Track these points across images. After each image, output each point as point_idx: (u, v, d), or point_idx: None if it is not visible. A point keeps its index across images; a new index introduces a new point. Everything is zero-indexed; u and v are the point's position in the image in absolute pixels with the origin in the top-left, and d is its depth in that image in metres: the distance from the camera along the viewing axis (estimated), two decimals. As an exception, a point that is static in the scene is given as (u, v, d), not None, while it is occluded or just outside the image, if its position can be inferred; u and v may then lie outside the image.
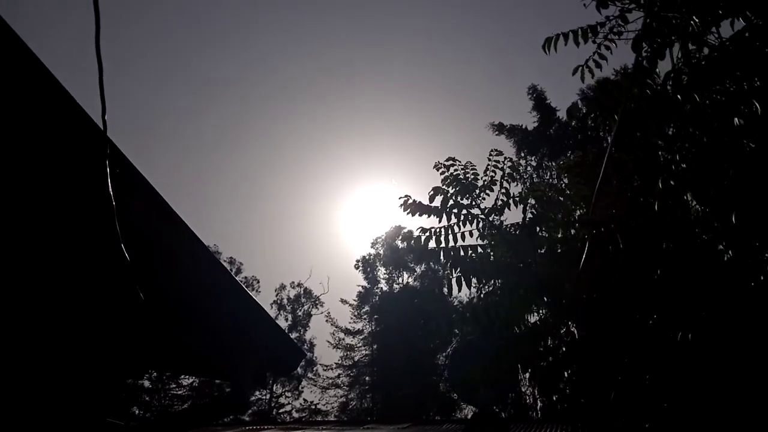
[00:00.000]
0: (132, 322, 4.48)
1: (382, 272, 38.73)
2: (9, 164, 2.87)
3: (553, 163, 27.61)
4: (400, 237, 35.67)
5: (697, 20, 2.70)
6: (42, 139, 2.96)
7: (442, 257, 4.24)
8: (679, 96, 2.89)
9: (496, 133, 29.15)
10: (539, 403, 27.36)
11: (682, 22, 2.77)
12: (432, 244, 4.38)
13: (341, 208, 62.77)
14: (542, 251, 4.35)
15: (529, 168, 28.97)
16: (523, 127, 29.26)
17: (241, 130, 61.70)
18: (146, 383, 32.89)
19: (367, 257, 39.10)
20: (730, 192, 2.94)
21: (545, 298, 4.31)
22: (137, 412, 29.89)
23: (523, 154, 29.02)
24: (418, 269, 37.41)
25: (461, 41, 59.70)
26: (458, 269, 4.13)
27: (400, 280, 38.01)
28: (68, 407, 4.56)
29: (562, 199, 5.01)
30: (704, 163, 2.98)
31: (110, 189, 2.47)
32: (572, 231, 4.56)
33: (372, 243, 39.72)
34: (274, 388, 37.24)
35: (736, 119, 2.65)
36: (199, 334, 5.45)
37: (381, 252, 39.10)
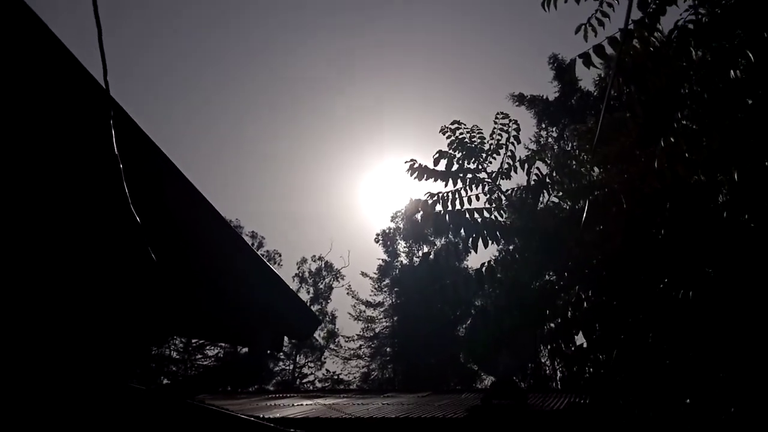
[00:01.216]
0: (150, 288, 4.65)
1: (402, 246, 38.96)
2: (15, 128, 2.97)
3: (576, 127, 27.17)
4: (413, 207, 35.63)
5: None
6: (45, 99, 3.05)
7: (448, 219, 4.28)
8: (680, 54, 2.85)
9: (516, 104, 28.75)
10: (559, 374, 27.56)
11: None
12: (438, 207, 4.43)
13: (362, 182, 62.89)
14: (547, 214, 4.37)
15: (550, 139, 28.61)
16: (544, 97, 28.77)
17: (263, 104, 61.87)
18: (173, 354, 33.90)
19: (387, 231, 39.34)
20: (731, 149, 2.93)
21: (551, 261, 4.35)
22: (164, 382, 30.86)
23: (543, 125, 28.64)
24: (437, 242, 37.48)
25: (482, 11, 58.46)
26: (462, 232, 4.17)
27: (420, 253, 38.18)
28: (88, 373, 4.75)
29: (574, 163, 4.99)
30: (706, 119, 2.96)
31: (115, 148, 2.56)
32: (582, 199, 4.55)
33: (392, 217, 39.87)
34: (297, 358, 38.07)
35: (732, 72, 2.62)
36: (216, 300, 5.62)
37: (401, 226, 39.23)
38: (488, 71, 60.18)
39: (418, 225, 38.50)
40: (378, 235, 39.38)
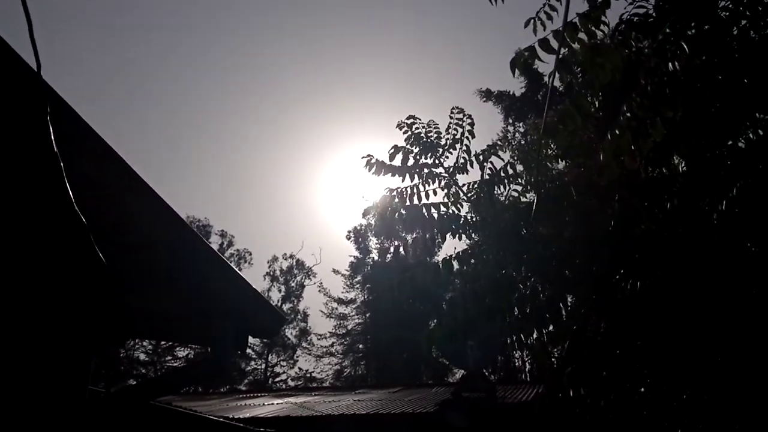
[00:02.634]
0: (101, 289, 4.52)
1: (373, 242, 38.96)
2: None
3: (533, 121, 27.58)
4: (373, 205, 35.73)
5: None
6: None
7: (405, 215, 4.28)
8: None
9: (484, 99, 28.99)
10: (527, 366, 27.98)
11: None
12: (398, 203, 4.42)
13: (333, 179, 62.60)
14: (503, 208, 4.40)
15: (517, 134, 28.91)
16: (511, 93, 29.08)
17: (229, 100, 60.96)
18: (141, 356, 33.26)
19: (358, 228, 39.26)
20: (674, 139, 2.98)
21: (508, 255, 4.38)
22: (133, 384, 30.29)
23: (510, 121, 28.94)
24: (409, 238, 37.58)
25: (449, 7, 58.71)
26: (417, 228, 4.18)
27: (392, 249, 38.25)
28: (45, 379, 4.60)
29: (534, 157, 5.02)
30: (650, 111, 3.01)
31: (53, 142, 2.45)
32: (529, 187, 4.60)
33: (363, 213, 39.77)
34: (270, 357, 37.76)
35: (671, 64, 2.67)
36: (175, 300, 5.51)
37: (372, 222, 39.21)
38: (455, 67, 60.55)
39: (389, 221, 38.52)
40: (349, 231, 39.31)
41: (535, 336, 4.76)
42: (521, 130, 28.92)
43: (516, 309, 4.50)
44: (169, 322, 6.37)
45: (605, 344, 3.69)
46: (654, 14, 3.22)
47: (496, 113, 29.26)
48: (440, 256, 34.26)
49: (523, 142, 28.16)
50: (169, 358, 34.15)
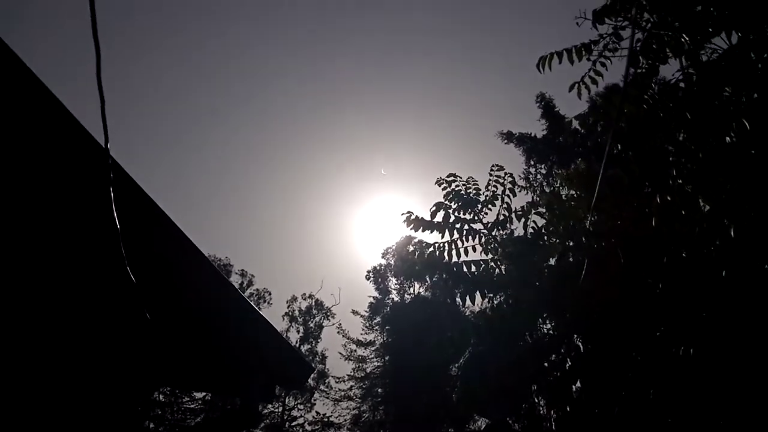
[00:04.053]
0: (141, 341, 4.56)
1: (393, 283, 38.66)
2: (20, 186, 2.95)
3: (563, 171, 27.55)
4: (410, 249, 35.66)
5: (687, 38, 2.74)
6: (47, 160, 3.04)
7: (445, 273, 4.27)
8: (674, 112, 2.91)
9: (506, 141, 29.14)
10: (553, 414, 27.09)
11: (675, 39, 2.80)
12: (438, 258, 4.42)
13: (353, 219, 62.90)
14: (545, 265, 4.36)
15: (538, 176, 28.90)
16: (532, 135, 29.21)
17: (253, 143, 62.21)
18: (159, 397, 33.01)
19: (378, 268, 39.06)
20: (726, 207, 2.95)
21: (548, 312, 4.32)
22: (150, 425, 29.99)
23: (532, 162, 28.97)
24: (429, 279, 37.31)
25: (472, 51, 59.85)
26: (461, 286, 4.16)
27: (412, 290, 37.90)
28: (84, 427, 4.62)
29: (559, 210, 5.01)
30: (700, 177, 3.00)
31: (114, 211, 2.55)
32: (571, 243, 4.57)
33: (383, 253, 39.70)
34: (287, 401, 37.18)
35: (728, 137, 2.67)
36: (209, 352, 5.52)
37: (392, 262, 39.05)
38: (480, 109, 61.24)
39: (409, 262, 38.37)
40: (369, 272, 39.12)
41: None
42: (542, 171, 28.93)
43: (557, 371, 4.42)
44: (203, 372, 6.36)
45: (656, 411, 3.58)
46: (698, 80, 3.24)
47: (518, 155, 29.35)
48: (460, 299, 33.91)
49: (544, 183, 28.16)
50: (187, 399, 33.83)
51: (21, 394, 4.02)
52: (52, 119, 2.81)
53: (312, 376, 37.10)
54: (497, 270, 4.31)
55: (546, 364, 4.63)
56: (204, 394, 33.43)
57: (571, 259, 4.62)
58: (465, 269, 4.28)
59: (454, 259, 4.41)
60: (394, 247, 39.61)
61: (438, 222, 4.43)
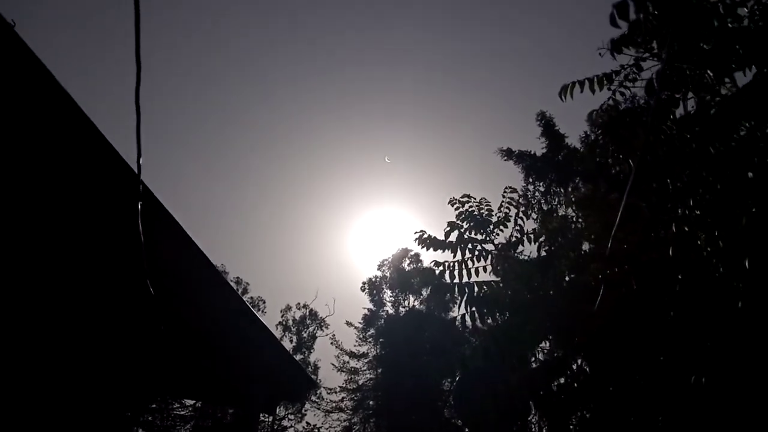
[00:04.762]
0: (152, 349, 4.55)
1: (388, 295, 38.58)
2: (46, 201, 2.97)
3: (561, 189, 27.62)
4: (410, 265, 35.59)
5: (711, 74, 2.79)
6: (71, 176, 3.06)
7: (457, 293, 4.29)
8: (693, 144, 2.96)
9: (505, 158, 29.22)
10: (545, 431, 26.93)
11: (697, 73, 2.86)
12: (446, 278, 4.44)
13: (349, 229, 62.86)
14: (554, 287, 4.39)
15: (537, 193, 28.99)
16: (532, 153, 29.31)
17: (249, 150, 62.24)
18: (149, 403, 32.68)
19: (373, 279, 39.00)
20: (744, 238, 2.99)
21: (556, 334, 4.34)
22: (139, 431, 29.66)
23: (531, 180, 29.05)
24: (424, 292, 37.24)
25: (472, 67, 60.27)
26: (472, 306, 4.17)
27: (406, 303, 37.83)
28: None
29: (571, 234, 5.06)
30: (718, 209, 3.04)
31: (140, 227, 2.58)
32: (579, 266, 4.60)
33: (379, 265, 39.65)
34: (277, 410, 36.92)
35: (750, 173, 2.72)
36: (217, 362, 5.51)
37: (387, 274, 38.99)
38: (478, 125, 61.55)
39: (405, 274, 38.30)
40: (364, 283, 39.03)
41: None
42: (541, 189, 29.01)
43: (563, 394, 4.43)
44: (206, 383, 6.33)
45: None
46: (716, 113, 3.29)
47: (517, 172, 29.43)
48: (454, 313, 33.74)
49: (542, 201, 28.27)
50: (177, 405, 33.52)
51: (23, 391, 4.02)
52: (72, 127, 2.82)
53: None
54: (508, 291, 4.33)
55: (554, 387, 4.65)
56: (194, 401, 33.14)
57: (572, 285, 4.66)
58: (476, 289, 4.30)
59: (465, 279, 4.44)
60: (390, 259, 39.59)
61: (450, 242, 4.46)
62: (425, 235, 4.51)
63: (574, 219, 5.83)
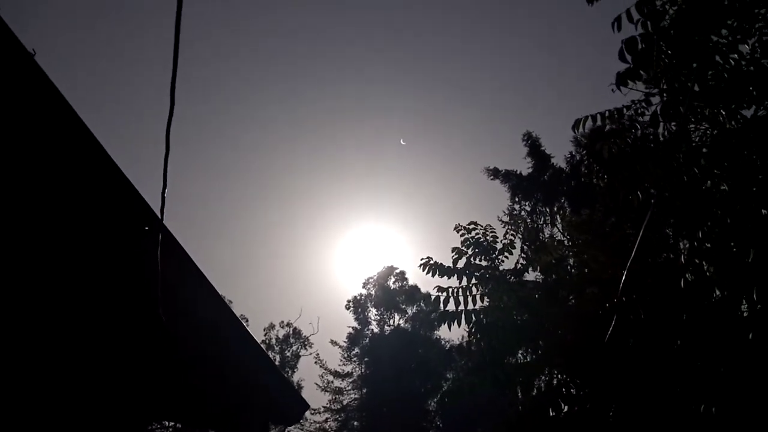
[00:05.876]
0: (146, 372, 4.46)
1: (373, 313, 38.36)
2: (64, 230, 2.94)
3: (547, 209, 27.93)
4: (395, 284, 35.54)
5: (724, 113, 2.87)
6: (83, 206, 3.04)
7: (464, 320, 4.30)
8: (706, 180, 3.03)
9: (491, 177, 29.49)
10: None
11: (708, 112, 2.94)
12: (452, 304, 4.45)
13: (334, 247, 62.70)
14: (560, 314, 4.42)
15: (523, 213, 29.24)
16: (518, 172, 29.63)
17: (231, 167, 62.02)
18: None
19: (358, 297, 38.79)
20: (753, 270, 3.05)
21: (564, 361, 4.35)
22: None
23: (517, 199, 29.32)
24: (409, 311, 37.16)
25: (460, 87, 61.07)
26: (478, 333, 4.19)
27: (392, 321, 37.64)
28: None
29: (572, 262, 5.13)
30: (727, 241, 3.11)
31: (159, 260, 2.57)
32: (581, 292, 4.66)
33: (364, 283, 39.47)
34: None
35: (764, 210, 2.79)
36: (210, 385, 5.41)
37: (372, 292, 38.82)
38: (465, 144, 62.18)
39: (390, 292, 38.19)
40: (349, 301, 38.80)
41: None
42: (527, 209, 29.29)
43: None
44: (196, 406, 6.20)
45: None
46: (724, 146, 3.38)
47: (503, 191, 29.68)
48: (439, 332, 33.64)
49: (529, 220, 28.51)
50: (156, 426, 32.78)
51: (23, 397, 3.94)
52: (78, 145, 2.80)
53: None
54: (516, 318, 4.35)
55: (553, 414, 4.65)
56: (174, 423, 32.45)
57: (575, 311, 4.71)
58: (482, 316, 4.31)
59: (470, 306, 4.45)
60: (375, 277, 39.44)
61: (457, 268, 4.47)
62: (431, 262, 4.52)
63: (565, 242, 5.90)
